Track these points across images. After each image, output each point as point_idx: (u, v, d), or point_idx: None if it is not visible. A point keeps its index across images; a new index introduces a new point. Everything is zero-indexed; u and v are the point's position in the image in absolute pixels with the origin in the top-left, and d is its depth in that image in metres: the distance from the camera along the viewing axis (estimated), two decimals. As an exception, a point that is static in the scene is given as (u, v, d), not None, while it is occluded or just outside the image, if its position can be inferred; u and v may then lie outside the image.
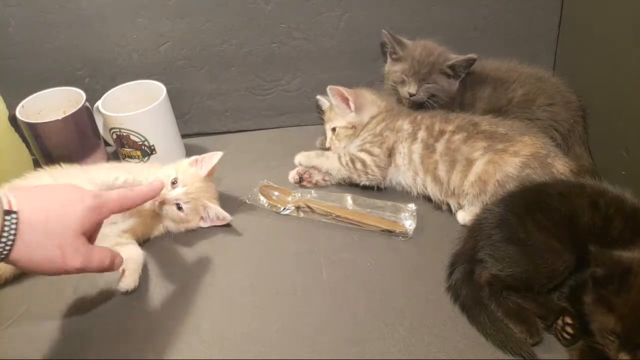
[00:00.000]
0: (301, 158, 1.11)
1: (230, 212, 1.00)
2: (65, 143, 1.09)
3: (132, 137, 1.09)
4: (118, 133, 1.09)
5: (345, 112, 1.11)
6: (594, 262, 0.69)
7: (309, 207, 1.01)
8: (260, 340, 0.81)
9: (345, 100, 1.10)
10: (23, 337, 0.83)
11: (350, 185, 1.07)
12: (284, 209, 1.03)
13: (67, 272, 0.70)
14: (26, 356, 0.81)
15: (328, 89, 1.12)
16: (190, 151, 1.21)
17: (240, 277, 0.91)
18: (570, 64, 1.18)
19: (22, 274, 0.91)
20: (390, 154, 1.05)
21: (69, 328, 0.84)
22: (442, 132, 1.02)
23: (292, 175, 1.11)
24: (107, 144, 1.19)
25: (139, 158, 1.12)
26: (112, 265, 0.75)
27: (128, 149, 1.11)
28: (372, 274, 0.90)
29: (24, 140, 1.11)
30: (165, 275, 0.93)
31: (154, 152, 1.11)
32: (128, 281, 0.88)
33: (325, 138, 1.17)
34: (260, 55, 1.20)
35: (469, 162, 0.97)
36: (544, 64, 1.18)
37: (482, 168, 0.95)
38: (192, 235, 1.00)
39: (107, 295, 0.90)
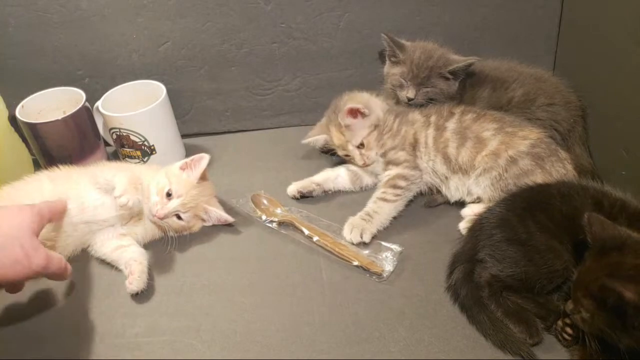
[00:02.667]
0: (363, 234, 0.94)
1: (230, 212, 1.00)
2: (65, 143, 1.09)
3: (132, 137, 1.09)
4: (118, 133, 1.09)
5: (361, 122, 1.04)
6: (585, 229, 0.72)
7: (292, 224, 0.99)
8: (260, 340, 0.81)
9: (356, 112, 1.03)
10: (23, 337, 0.83)
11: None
12: (269, 220, 1.01)
13: (34, 272, 0.74)
14: (26, 356, 0.81)
15: (339, 119, 1.03)
16: (190, 151, 1.21)
17: (240, 277, 0.91)
18: (570, 64, 1.18)
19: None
20: (414, 146, 1.03)
21: (68, 328, 0.84)
22: (451, 113, 1.04)
23: (292, 192, 1.06)
24: (107, 144, 1.19)
25: (139, 158, 1.12)
26: (67, 270, 0.80)
27: (128, 149, 1.11)
28: (371, 274, 0.90)
29: (24, 140, 1.11)
30: (165, 275, 0.93)
31: (154, 152, 1.11)
32: (137, 283, 0.88)
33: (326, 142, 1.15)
34: (260, 55, 1.20)
35: (480, 141, 0.99)
36: (544, 64, 1.18)
37: (495, 146, 0.98)
38: (192, 235, 1.00)
39: (106, 296, 0.90)
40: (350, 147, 1.05)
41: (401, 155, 1.02)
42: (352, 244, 0.94)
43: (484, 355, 0.76)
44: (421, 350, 0.77)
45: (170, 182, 0.95)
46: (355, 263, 0.90)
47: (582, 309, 0.69)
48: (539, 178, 0.93)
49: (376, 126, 1.05)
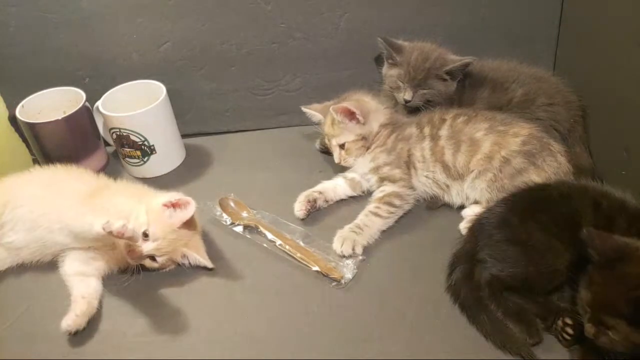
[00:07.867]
0: (355, 246, 0.92)
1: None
2: (65, 143, 1.09)
3: (132, 137, 1.09)
4: (118, 133, 1.09)
5: (352, 127, 1.04)
6: (588, 244, 0.71)
7: (257, 228, 0.97)
8: (260, 340, 0.81)
9: (352, 114, 1.03)
10: (23, 337, 0.83)
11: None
12: (233, 223, 0.99)
13: None
14: (26, 356, 0.81)
15: (331, 110, 1.03)
16: (190, 151, 1.21)
17: (240, 277, 0.91)
18: (570, 64, 1.18)
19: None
20: (408, 164, 1.02)
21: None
22: (443, 120, 1.03)
23: (300, 213, 1.00)
24: (107, 144, 1.19)
25: (139, 158, 1.12)
26: None
27: (128, 149, 1.11)
28: (372, 274, 0.90)
29: (24, 140, 1.11)
30: (164, 275, 0.93)
31: (154, 152, 1.11)
32: (72, 322, 0.80)
33: (324, 138, 1.15)
34: (260, 55, 1.20)
35: (473, 142, 0.99)
36: (544, 64, 1.18)
37: (489, 149, 0.98)
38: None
39: (105, 297, 0.89)
40: (333, 142, 1.06)
41: (397, 173, 1.01)
42: (344, 256, 0.91)
43: (484, 355, 0.76)
44: (421, 350, 0.77)
45: (148, 221, 0.86)
46: (315, 268, 0.90)
47: (611, 330, 0.67)
48: (533, 175, 0.93)
49: (364, 138, 1.05)
